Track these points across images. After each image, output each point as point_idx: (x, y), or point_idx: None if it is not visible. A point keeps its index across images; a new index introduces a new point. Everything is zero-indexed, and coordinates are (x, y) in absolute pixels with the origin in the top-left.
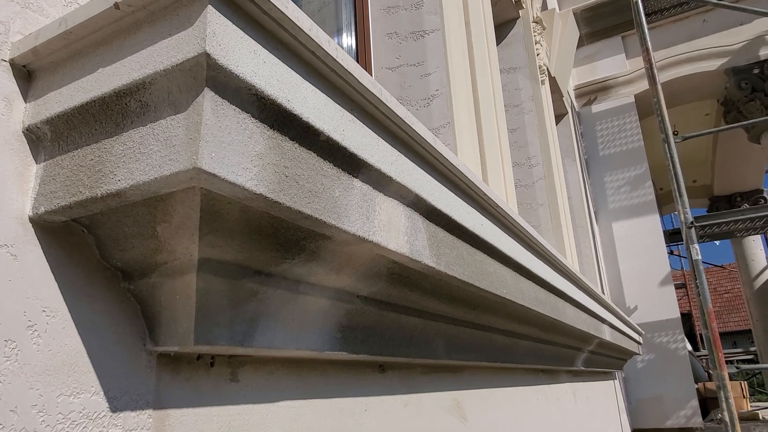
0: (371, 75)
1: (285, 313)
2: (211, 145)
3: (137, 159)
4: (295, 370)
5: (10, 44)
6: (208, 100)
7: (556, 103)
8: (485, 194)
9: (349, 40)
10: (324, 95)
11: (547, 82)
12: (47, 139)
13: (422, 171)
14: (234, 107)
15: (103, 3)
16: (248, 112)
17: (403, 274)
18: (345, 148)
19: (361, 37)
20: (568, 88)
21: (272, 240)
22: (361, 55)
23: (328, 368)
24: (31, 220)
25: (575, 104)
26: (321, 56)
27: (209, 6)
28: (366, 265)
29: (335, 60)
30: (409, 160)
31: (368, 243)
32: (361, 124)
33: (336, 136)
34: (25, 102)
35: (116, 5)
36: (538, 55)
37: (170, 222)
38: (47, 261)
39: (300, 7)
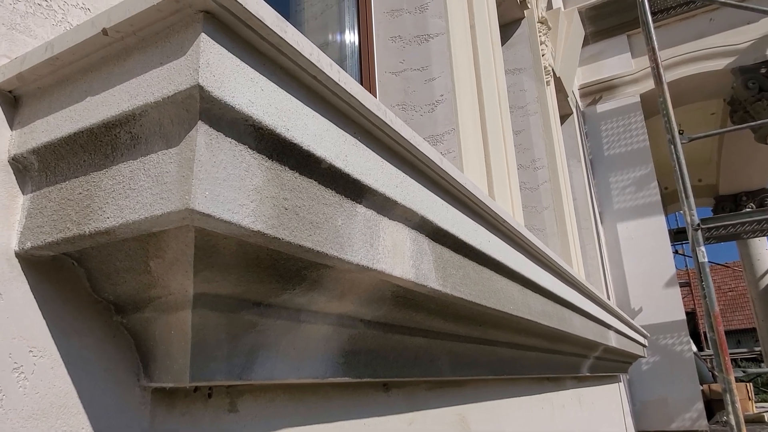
0: (375, 79)
1: (285, 343)
2: (205, 183)
3: (127, 195)
4: (296, 395)
5: None
6: (202, 134)
7: (561, 103)
8: (492, 210)
9: (352, 43)
10: (326, 120)
11: (552, 83)
12: (34, 169)
13: (428, 191)
14: (230, 140)
15: (90, 28)
16: (245, 144)
17: (408, 297)
18: (348, 175)
19: (364, 40)
20: (573, 87)
21: (272, 271)
22: (365, 60)
23: (330, 391)
24: (18, 255)
25: (580, 104)
26: (323, 80)
27: (203, 34)
28: (370, 290)
29: (337, 84)
30: (414, 182)
31: (372, 271)
32: (365, 147)
33: (338, 163)
34: (11, 129)
35: (104, 31)
36: (543, 55)
37: (163, 258)
38: (35, 297)
39: (302, 9)
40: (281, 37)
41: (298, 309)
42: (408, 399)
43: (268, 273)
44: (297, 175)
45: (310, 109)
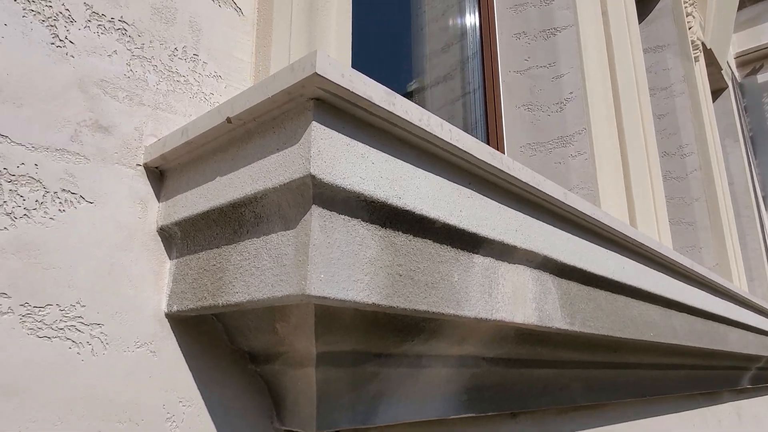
0: (498, 79)
1: (407, 387)
2: (320, 267)
3: (252, 273)
4: (422, 429)
5: (143, 148)
6: (316, 218)
7: (713, 77)
8: (626, 235)
9: (474, 43)
10: (439, 178)
11: (701, 58)
12: (178, 237)
13: (552, 228)
14: (343, 217)
15: (217, 117)
16: (358, 217)
17: (533, 334)
18: (463, 230)
19: (486, 39)
20: (728, 58)
21: (390, 327)
22: (487, 59)
23: (457, 422)
24: (167, 315)
25: (736, 75)
26: (434, 142)
27: (313, 122)
28: (491, 332)
29: (449, 143)
30: (536, 221)
31: (491, 321)
32: (481, 196)
33: (453, 220)
34: (158, 201)
35: (228, 120)
36: (690, 28)
37: (288, 322)
38: (182, 352)
39: (423, 12)
40: (390, 111)
41: (418, 356)
42: (538, 425)
43: (387, 329)
44: (411, 237)
45: (422, 170)
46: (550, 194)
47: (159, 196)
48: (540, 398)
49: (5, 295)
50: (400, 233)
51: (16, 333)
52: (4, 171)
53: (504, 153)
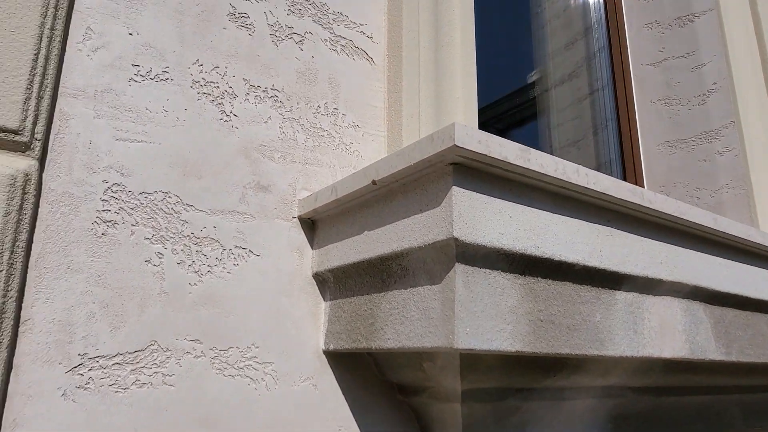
0: (630, 74)
1: (550, 418)
2: (465, 322)
3: (401, 322)
4: None
5: (297, 202)
6: (460, 275)
7: None
8: None
9: (600, 37)
10: (576, 221)
11: None
12: (330, 282)
13: (701, 255)
14: (484, 270)
15: (363, 179)
16: (498, 269)
17: (684, 363)
18: (604, 270)
19: (614, 32)
20: None
21: (532, 365)
22: (616, 53)
23: None
24: (324, 352)
25: None
26: (570, 188)
27: (454, 187)
28: (636, 364)
29: (587, 187)
30: (682, 250)
31: (638, 359)
32: (621, 233)
33: (592, 261)
34: (312, 249)
35: (373, 182)
36: None
37: (435, 362)
38: (339, 385)
39: (543, 10)
40: (525, 167)
41: (560, 389)
42: None
43: (529, 367)
44: (550, 282)
45: (558, 216)
46: (697, 222)
47: (312, 243)
48: (693, 425)
49: (198, 342)
50: (540, 278)
51: (208, 373)
52: (191, 235)
53: (640, 152)
